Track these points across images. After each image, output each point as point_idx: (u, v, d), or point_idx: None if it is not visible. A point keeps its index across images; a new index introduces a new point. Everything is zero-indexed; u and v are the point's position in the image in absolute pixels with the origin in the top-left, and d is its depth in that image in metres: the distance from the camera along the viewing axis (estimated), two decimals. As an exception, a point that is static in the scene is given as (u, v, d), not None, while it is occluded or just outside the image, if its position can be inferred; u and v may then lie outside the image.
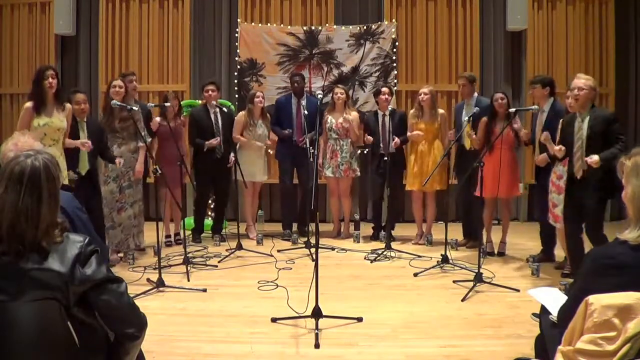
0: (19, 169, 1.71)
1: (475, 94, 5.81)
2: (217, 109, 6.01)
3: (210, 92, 5.97)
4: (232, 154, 5.94)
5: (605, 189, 3.97)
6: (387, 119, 5.90)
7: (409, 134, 5.92)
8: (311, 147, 5.41)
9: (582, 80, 4.16)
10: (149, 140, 5.52)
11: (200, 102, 6.39)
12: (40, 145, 2.26)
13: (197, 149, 5.97)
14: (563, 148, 4.27)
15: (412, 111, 6.06)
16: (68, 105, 4.65)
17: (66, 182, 4.43)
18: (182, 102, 6.50)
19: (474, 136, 5.44)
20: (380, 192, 6.16)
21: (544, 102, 5.13)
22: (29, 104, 4.45)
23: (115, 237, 5.16)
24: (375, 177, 6.14)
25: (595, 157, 3.94)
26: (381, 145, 5.94)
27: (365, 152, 6.39)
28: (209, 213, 6.50)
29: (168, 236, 5.94)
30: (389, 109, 5.90)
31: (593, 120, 4.11)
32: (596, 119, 4.10)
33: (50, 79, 4.42)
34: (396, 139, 5.83)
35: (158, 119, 5.68)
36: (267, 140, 6.17)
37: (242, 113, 6.19)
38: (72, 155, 4.67)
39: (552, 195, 4.73)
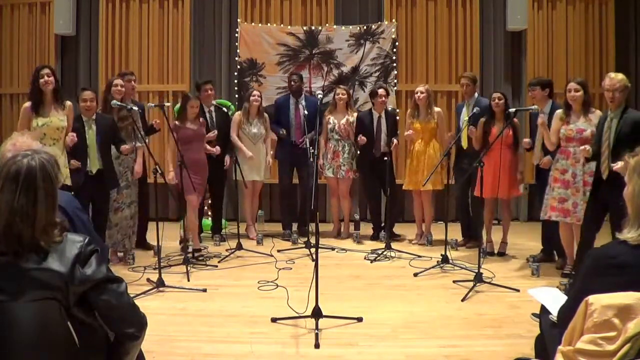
0: (15, 168, 1.71)
1: (476, 94, 5.81)
2: (212, 108, 5.98)
3: (209, 92, 5.95)
4: (227, 156, 5.93)
5: None
6: (382, 120, 5.89)
7: (406, 133, 5.92)
8: (311, 147, 5.41)
9: (616, 80, 4.06)
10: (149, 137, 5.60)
11: None
12: (39, 145, 2.25)
13: None
14: (588, 148, 4.23)
15: (409, 111, 6.06)
16: (68, 103, 4.64)
17: (67, 182, 4.44)
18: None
19: (474, 130, 5.39)
20: (377, 192, 6.17)
21: (544, 103, 5.11)
22: (27, 104, 4.47)
23: (111, 237, 5.12)
24: (371, 177, 6.15)
25: (620, 164, 3.86)
26: (381, 145, 5.94)
27: (357, 152, 6.36)
28: (208, 213, 6.49)
29: (185, 240, 5.39)
30: (389, 108, 5.90)
31: (623, 122, 4.04)
32: (626, 121, 4.03)
33: (46, 77, 4.42)
34: (395, 142, 5.84)
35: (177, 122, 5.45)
36: (264, 143, 6.12)
37: (238, 112, 6.20)
38: (81, 155, 4.69)
39: (559, 190, 4.65)
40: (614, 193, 3.97)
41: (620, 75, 4.16)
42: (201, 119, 5.57)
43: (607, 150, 4.11)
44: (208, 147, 5.62)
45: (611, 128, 4.10)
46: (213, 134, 5.72)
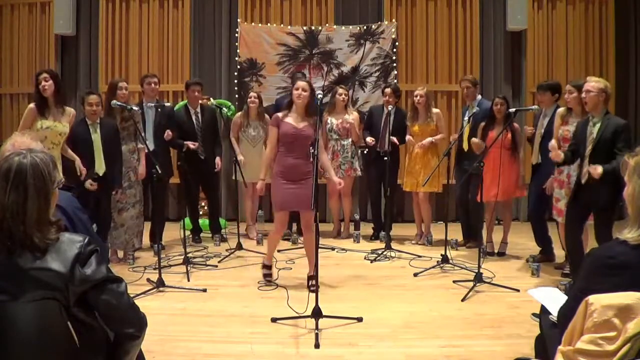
0: (6, 166, 1.73)
1: (479, 97, 5.81)
2: (199, 110, 5.96)
3: (197, 93, 5.88)
4: (217, 158, 5.92)
5: (612, 191, 3.86)
6: (390, 117, 5.90)
7: (407, 137, 5.93)
8: (311, 147, 5.40)
9: (591, 83, 4.06)
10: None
11: (230, 103, 6.39)
12: (39, 145, 2.25)
13: (178, 149, 5.84)
14: (562, 155, 4.23)
15: (408, 114, 6.06)
16: (72, 111, 4.64)
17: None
18: (180, 103, 6.49)
19: (475, 140, 5.41)
20: (376, 188, 6.17)
21: (550, 106, 5.13)
22: (32, 105, 4.46)
23: (119, 237, 5.14)
24: (372, 175, 6.16)
25: (599, 169, 3.79)
26: (385, 142, 5.94)
27: (365, 151, 6.37)
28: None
29: (268, 267, 4.66)
30: (393, 107, 5.91)
31: (604, 127, 4.00)
32: (607, 127, 3.99)
33: (44, 82, 4.41)
34: (394, 139, 5.82)
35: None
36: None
37: (239, 114, 6.20)
38: (88, 158, 4.70)
39: (556, 190, 4.71)
40: (594, 196, 4.01)
41: (596, 79, 4.15)
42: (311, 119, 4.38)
43: (588, 155, 4.07)
44: (191, 144, 5.67)
45: (593, 133, 4.06)
46: (193, 145, 5.69)
